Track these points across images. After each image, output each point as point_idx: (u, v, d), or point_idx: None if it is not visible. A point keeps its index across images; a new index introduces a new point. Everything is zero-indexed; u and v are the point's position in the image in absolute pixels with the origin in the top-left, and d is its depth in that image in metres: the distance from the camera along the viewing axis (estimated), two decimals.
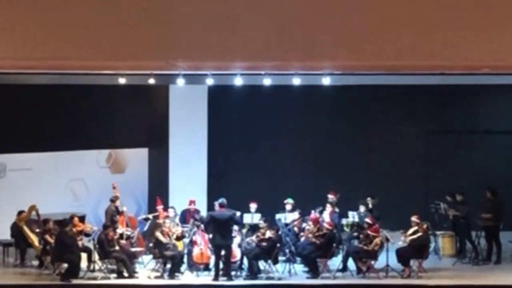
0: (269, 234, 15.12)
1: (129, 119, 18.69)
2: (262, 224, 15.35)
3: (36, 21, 11.13)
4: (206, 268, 15.39)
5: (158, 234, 15.14)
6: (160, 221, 15.50)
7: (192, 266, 15.34)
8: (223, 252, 14.91)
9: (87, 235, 15.61)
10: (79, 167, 18.22)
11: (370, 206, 16.65)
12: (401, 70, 14.01)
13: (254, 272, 15.01)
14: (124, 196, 16.92)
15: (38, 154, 17.69)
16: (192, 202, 16.45)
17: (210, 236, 15.22)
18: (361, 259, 15.26)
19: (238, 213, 15.52)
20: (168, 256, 15.02)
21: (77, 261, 14.94)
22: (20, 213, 15.93)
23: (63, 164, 17.95)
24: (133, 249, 15.57)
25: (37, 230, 15.76)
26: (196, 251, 15.30)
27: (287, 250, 15.68)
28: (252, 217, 15.90)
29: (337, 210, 16.57)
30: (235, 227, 15.38)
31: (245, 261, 15.29)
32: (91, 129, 18.13)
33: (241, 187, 18.25)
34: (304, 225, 15.93)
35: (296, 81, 15.36)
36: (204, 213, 16.57)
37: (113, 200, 16.22)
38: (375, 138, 19.50)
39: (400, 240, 15.51)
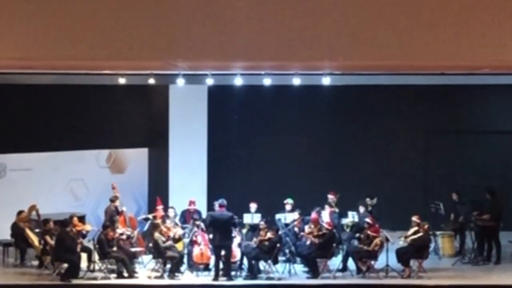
0: (269, 234, 15.12)
1: (129, 119, 18.69)
2: (262, 225, 15.33)
3: (36, 21, 11.13)
4: (206, 268, 15.39)
5: (156, 235, 15.14)
6: (158, 221, 15.49)
7: (192, 266, 15.34)
8: (223, 252, 14.91)
9: (83, 236, 15.58)
10: (79, 167, 18.21)
11: (369, 206, 16.63)
12: (401, 70, 14.01)
13: (254, 272, 15.01)
14: (124, 196, 16.90)
15: (38, 154, 17.68)
16: (192, 203, 16.44)
17: (211, 236, 15.23)
18: (361, 259, 15.25)
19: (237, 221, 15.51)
20: (168, 257, 15.02)
21: (77, 261, 14.94)
22: (20, 213, 15.92)
23: (63, 164, 17.94)
24: (133, 249, 15.56)
25: (37, 230, 15.77)
26: (196, 251, 15.29)
27: (287, 250, 15.68)
28: (252, 217, 15.90)
29: (337, 210, 16.55)
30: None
31: (245, 261, 15.30)
32: (91, 129, 18.11)
33: (241, 187, 18.25)
34: (305, 227, 15.90)
35: (296, 81, 15.36)
36: (204, 213, 16.57)
37: (113, 200, 16.22)
38: (374, 138, 19.47)
39: (400, 240, 15.51)
